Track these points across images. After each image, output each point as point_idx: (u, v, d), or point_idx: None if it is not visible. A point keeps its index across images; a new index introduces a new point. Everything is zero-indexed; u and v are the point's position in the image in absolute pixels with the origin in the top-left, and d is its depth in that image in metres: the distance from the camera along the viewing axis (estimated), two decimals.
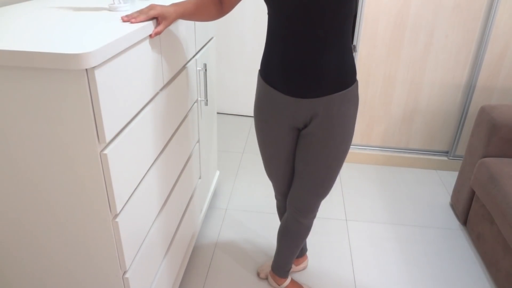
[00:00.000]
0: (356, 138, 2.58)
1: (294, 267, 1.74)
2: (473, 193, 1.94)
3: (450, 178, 2.48)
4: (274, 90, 1.18)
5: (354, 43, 2.29)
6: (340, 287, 1.69)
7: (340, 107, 1.15)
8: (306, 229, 1.44)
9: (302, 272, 1.75)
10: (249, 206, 2.15)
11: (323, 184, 1.28)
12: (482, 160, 1.84)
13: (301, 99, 1.14)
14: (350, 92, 1.15)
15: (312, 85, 1.11)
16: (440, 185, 2.41)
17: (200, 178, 1.74)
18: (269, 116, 1.24)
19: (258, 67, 3.03)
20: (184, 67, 1.36)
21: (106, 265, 1.00)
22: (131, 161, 0.99)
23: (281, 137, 1.27)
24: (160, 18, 1.04)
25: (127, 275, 1.04)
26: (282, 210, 1.53)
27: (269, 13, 1.11)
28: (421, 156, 2.55)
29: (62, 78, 0.77)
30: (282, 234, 1.49)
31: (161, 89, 1.18)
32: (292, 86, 1.13)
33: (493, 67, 2.27)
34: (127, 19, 0.99)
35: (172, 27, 1.20)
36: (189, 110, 1.45)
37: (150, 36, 1.01)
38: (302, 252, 1.73)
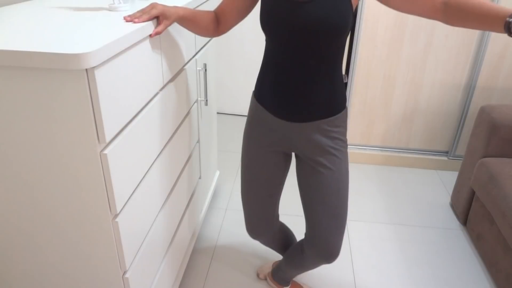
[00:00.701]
0: (356, 138, 2.58)
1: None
2: (473, 193, 1.94)
3: (450, 178, 2.48)
4: (265, 111, 1.19)
5: (355, 44, 2.29)
6: (340, 287, 1.69)
7: (330, 129, 1.16)
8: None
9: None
10: None
11: (337, 211, 1.20)
12: (482, 160, 1.84)
13: (290, 123, 1.15)
14: (338, 118, 1.16)
15: (301, 111, 1.13)
16: (440, 185, 2.41)
17: (200, 178, 1.74)
18: (259, 135, 1.23)
19: (258, 67, 3.03)
20: (184, 67, 1.36)
21: (106, 265, 1.00)
22: (131, 161, 0.99)
23: (268, 158, 1.25)
24: (161, 17, 1.04)
25: (127, 275, 1.04)
26: (266, 243, 1.48)
27: (266, 40, 1.14)
28: (421, 156, 2.55)
29: (62, 78, 0.77)
30: (294, 264, 1.43)
31: (161, 89, 1.18)
32: (283, 109, 1.14)
33: (493, 67, 2.27)
34: (130, 19, 0.99)
35: (172, 27, 1.20)
36: (189, 110, 1.45)
37: (150, 35, 1.01)
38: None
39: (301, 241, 1.36)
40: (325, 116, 1.14)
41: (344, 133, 1.20)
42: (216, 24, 1.19)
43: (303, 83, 1.09)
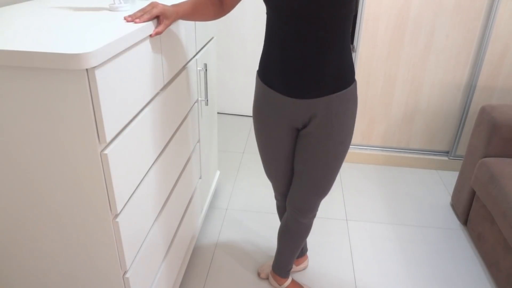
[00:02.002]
0: (357, 138, 2.58)
1: (294, 267, 1.74)
2: (473, 193, 1.94)
3: (450, 178, 2.48)
4: (272, 91, 1.18)
5: (354, 43, 2.29)
6: (340, 287, 1.69)
7: (339, 107, 1.15)
8: (306, 229, 1.44)
9: (302, 272, 1.75)
10: (249, 206, 2.15)
11: (322, 183, 1.28)
12: (482, 160, 1.84)
13: (300, 100, 1.14)
14: (349, 92, 1.15)
15: (311, 86, 1.11)
16: (440, 185, 2.41)
17: (200, 178, 1.74)
18: (268, 117, 1.24)
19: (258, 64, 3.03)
20: (184, 67, 1.36)
21: (107, 265, 1.00)
22: (132, 161, 0.99)
23: (280, 137, 1.27)
24: (162, 16, 1.04)
25: (127, 275, 1.04)
26: (282, 210, 1.53)
27: (268, 13, 1.11)
28: (422, 156, 2.55)
29: (63, 78, 0.77)
30: (282, 234, 1.49)
31: (162, 89, 1.18)
32: (291, 87, 1.13)
33: (493, 67, 2.27)
34: (131, 19, 0.98)
35: (172, 27, 1.20)
36: (189, 110, 1.45)
37: (151, 35, 1.01)
38: (302, 252, 1.73)
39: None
40: (335, 90, 1.12)
41: (353, 110, 1.19)
42: (220, 5, 1.19)
43: (311, 56, 1.06)
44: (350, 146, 2.60)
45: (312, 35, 1.04)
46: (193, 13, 1.13)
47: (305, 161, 1.26)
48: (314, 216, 1.41)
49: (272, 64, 1.14)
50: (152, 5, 1.02)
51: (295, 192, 1.34)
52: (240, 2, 2.86)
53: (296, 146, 1.29)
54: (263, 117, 1.26)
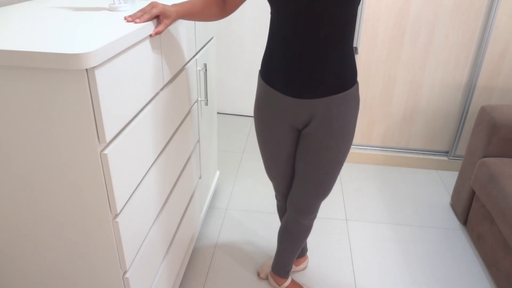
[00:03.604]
0: (357, 138, 2.58)
1: (294, 267, 1.74)
2: (473, 193, 1.94)
3: (450, 178, 2.48)
4: (274, 91, 1.18)
5: (355, 44, 2.29)
6: (340, 287, 1.69)
7: (340, 108, 1.15)
8: (306, 230, 1.44)
9: (302, 272, 1.75)
10: (249, 206, 2.15)
11: (322, 185, 1.28)
12: (482, 160, 1.84)
13: (301, 100, 1.14)
14: (350, 93, 1.15)
15: (312, 86, 1.11)
16: (440, 185, 2.41)
17: (200, 178, 1.74)
18: (269, 116, 1.24)
19: (258, 67, 3.03)
20: (184, 67, 1.36)
21: (106, 265, 1.00)
22: (131, 161, 0.99)
23: (281, 137, 1.27)
24: (162, 16, 1.03)
25: (127, 275, 1.04)
26: (282, 210, 1.53)
27: (272, 13, 1.11)
28: (421, 156, 2.55)
29: (62, 78, 0.77)
30: (283, 234, 1.49)
31: (161, 89, 1.18)
32: (293, 86, 1.13)
33: (493, 67, 2.27)
34: (131, 19, 0.98)
35: (172, 27, 1.20)
36: (189, 110, 1.45)
37: (151, 35, 1.00)
38: (302, 252, 1.73)
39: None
40: (337, 91, 1.12)
41: (354, 112, 1.19)
42: (222, 6, 1.18)
43: (314, 57, 1.07)
44: (350, 147, 2.59)
45: (314, 35, 1.04)
46: (195, 13, 1.13)
47: (306, 162, 1.25)
48: (314, 217, 1.41)
49: (274, 64, 1.14)
50: (152, 5, 1.02)
51: (296, 193, 1.34)
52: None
53: (297, 146, 1.29)
54: (264, 116, 1.26)
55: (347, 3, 1.01)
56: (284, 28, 1.08)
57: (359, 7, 2.20)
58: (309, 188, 1.29)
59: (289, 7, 1.04)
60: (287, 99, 1.16)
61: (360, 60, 2.34)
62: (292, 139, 1.28)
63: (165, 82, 1.19)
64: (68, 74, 0.76)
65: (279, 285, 1.63)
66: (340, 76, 1.11)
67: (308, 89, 1.12)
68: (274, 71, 1.15)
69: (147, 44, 1.02)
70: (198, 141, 1.65)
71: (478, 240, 1.83)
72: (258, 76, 1.24)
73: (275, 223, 2.04)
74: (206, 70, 1.56)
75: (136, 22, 0.97)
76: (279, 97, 1.17)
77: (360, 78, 2.38)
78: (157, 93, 1.15)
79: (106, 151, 0.86)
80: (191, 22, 1.39)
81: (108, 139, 0.85)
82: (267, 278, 1.70)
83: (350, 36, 1.09)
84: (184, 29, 1.31)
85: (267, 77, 1.18)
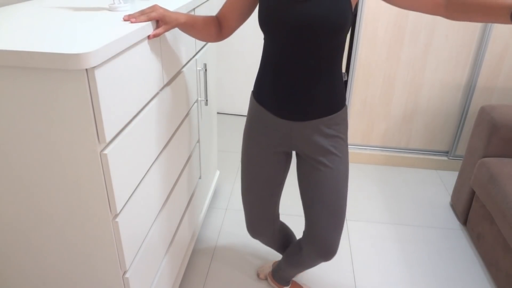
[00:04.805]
0: (357, 138, 2.58)
1: None
2: (473, 193, 1.94)
3: (450, 178, 2.48)
4: (265, 111, 1.19)
5: (355, 44, 2.29)
6: (340, 287, 1.69)
7: (330, 129, 1.16)
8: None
9: (302, 272, 1.75)
10: None
11: (335, 209, 1.21)
12: (482, 160, 1.84)
13: (290, 122, 1.15)
14: (338, 116, 1.16)
15: (301, 110, 1.13)
16: (440, 185, 2.41)
17: (200, 178, 1.74)
18: (259, 135, 1.23)
19: (258, 67, 3.03)
20: (184, 67, 1.36)
21: (106, 265, 1.00)
22: (131, 161, 0.99)
23: (268, 157, 1.25)
24: (160, 22, 1.03)
25: (127, 275, 1.04)
26: (267, 243, 1.48)
27: (264, 39, 1.13)
28: (421, 156, 2.55)
29: (62, 78, 0.77)
30: (293, 263, 1.43)
31: (161, 89, 1.18)
32: (283, 109, 1.14)
33: (493, 67, 2.27)
34: (128, 18, 0.99)
35: None
36: (189, 110, 1.45)
37: (148, 37, 1.01)
38: None
39: (300, 239, 1.36)
40: (325, 114, 1.14)
41: (344, 131, 1.20)
42: (219, 29, 1.19)
43: (302, 82, 1.09)
44: (350, 146, 2.60)
45: (304, 62, 1.07)
46: (194, 28, 1.12)
47: (311, 186, 1.21)
48: (334, 256, 1.30)
49: (265, 86, 1.16)
50: (152, 9, 1.02)
51: (313, 228, 1.24)
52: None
53: (297, 174, 1.28)
54: (254, 135, 1.24)
55: (336, 34, 1.03)
56: (275, 54, 1.10)
57: (359, 7, 2.20)
58: (323, 217, 1.21)
59: (278, 34, 1.06)
60: (277, 120, 1.17)
61: (360, 60, 2.34)
62: (279, 161, 1.26)
63: (165, 82, 1.19)
64: (68, 74, 0.77)
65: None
66: (328, 101, 1.13)
67: (297, 113, 1.13)
68: (265, 93, 1.17)
69: (147, 44, 1.02)
70: (198, 141, 1.65)
71: (478, 240, 1.83)
72: (251, 95, 1.24)
73: None
74: (206, 70, 1.56)
75: (131, 22, 0.97)
76: (269, 117, 1.18)
77: (360, 78, 2.38)
78: (157, 93, 1.15)
79: (106, 151, 0.86)
80: None
81: (108, 139, 0.85)
82: (266, 279, 1.70)
83: (338, 63, 1.12)
84: None
85: (259, 97, 1.20)
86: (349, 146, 2.59)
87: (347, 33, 1.07)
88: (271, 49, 1.11)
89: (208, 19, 1.15)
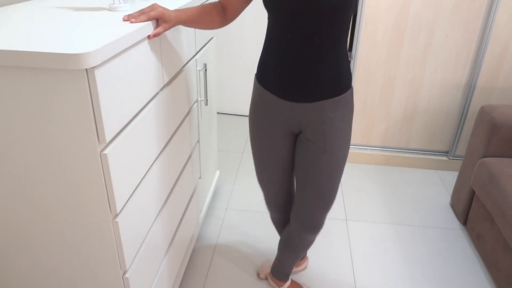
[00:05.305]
0: (356, 138, 2.58)
1: (294, 268, 1.74)
2: (473, 193, 1.94)
3: (450, 178, 2.48)
4: (269, 94, 1.18)
5: (354, 44, 2.29)
6: (340, 287, 1.69)
7: (334, 113, 1.15)
8: (309, 243, 1.41)
9: (302, 273, 1.75)
10: (249, 206, 2.15)
11: (326, 193, 1.25)
12: (482, 160, 1.84)
13: (296, 103, 1.15)
14: (344, 98, 1.15)
15: (306, 90, 1.12)
16: (440, 185, 2.41)
17: (200, 178, 1.74)
18: (264, 119, 1.23)
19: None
20: (184, 67, 1.36)
21: (106, 265, 1.00)
22: (131, 161, 0.99)
23: (276, 140, 1.26)
24: (160, 20, 1.03)
25: (127, 275, 1.04)
26: (278, 222, 1.51)
27: (268, 18, 1.12)
28: (421, 156, 2.55)
29: (62, 78, 0.77)
30: (284, 245, 1.47)
31: (161, 89, 1.18)
32: (287, 90, 1.13)
33: (493, 67, 2.27)
34: (127, 18, 0.99)
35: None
36: (189, 110, 1.45)
37: (148, 37, 1.00)
38: None
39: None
40: (330, 96, 1.13)
41: (349, 116, 1.19)
42: (223, 15, 1.18)
43: (307, 61, 1.08)
44: (350, 146, 2.59)
45: (308, 41, 1.06)
46: (196, 20, 1.12)
47: (305, 168, 1.24)
48: (319, 231, 1.37)
49: (269, 68, 1.15)
50: (152, 8, 1.02)
51: (300, 206, 1.31)
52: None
53: (295, 154, 1.28)
54: (259, 119, 1.25)
55: (342, 10, 1.02)
56: (278, 32, 1.09)
57: (359, 7, 2.20)
58: (312, 198, 1.26)
59: (284, 13, 1.05)
60: (282, 102, 1.16)
61: (360, 61, 2.34)
62: (287, 143, 1.26)
63: (165, 82, 1.19)
64: (67, 74, 0.77)
65: (279, 287, 1.63)
66: (334, 81, 1.12)
67: (302, 94, 1.12)
68: (269, 75, 1.16)
69: (147, 44, 1.02)
70: (198, 141, 1.65)
71: (478, 240, 1.83)
72: (254, 79, 1.24)
73: None
74: (206, 70, 1.56)
75: (131, 22, 0.97)
76: (274, 100, 1.18)
77: (360, 78, 2.38)
78: (157, 93, 1.15)
79: (106, 151, 0.86)
80: None
81: (108, 139, 0.85)
82: (266, 278, 1.70)
83: (344, 42, 1.10)
84: (184, 29, 1.31)
85: (262, 80, 1.19)
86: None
87: (352, 13, 1.06)
88: (275, 29, 1.09)
89: (208, 8, 1.15)
